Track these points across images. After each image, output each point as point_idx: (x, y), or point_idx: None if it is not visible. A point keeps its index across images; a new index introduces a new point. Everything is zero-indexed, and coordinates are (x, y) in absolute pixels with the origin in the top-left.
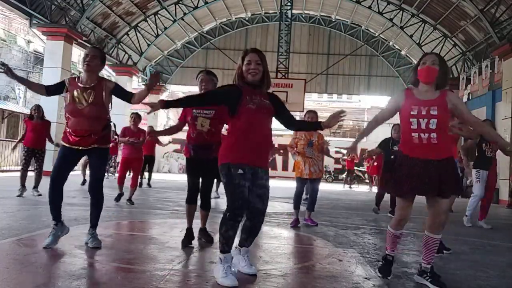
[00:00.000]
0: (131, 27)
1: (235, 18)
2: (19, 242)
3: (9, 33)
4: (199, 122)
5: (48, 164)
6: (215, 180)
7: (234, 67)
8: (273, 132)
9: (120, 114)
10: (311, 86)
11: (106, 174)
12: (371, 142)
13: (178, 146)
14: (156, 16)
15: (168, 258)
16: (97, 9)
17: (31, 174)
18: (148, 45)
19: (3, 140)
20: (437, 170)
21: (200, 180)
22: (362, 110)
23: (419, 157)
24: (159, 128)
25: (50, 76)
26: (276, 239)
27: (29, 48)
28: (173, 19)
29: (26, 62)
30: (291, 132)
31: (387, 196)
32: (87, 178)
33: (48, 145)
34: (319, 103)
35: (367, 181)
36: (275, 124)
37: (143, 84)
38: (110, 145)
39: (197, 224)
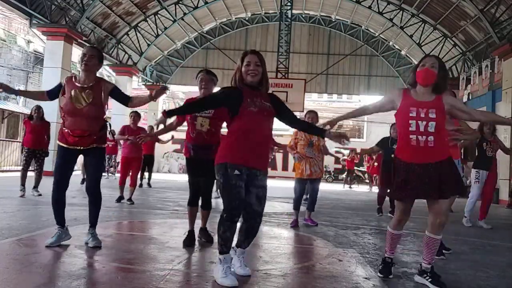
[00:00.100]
0: (131, 27)
1: (235, 18)
2: (19, 242)
3: (9, 33)
4: (199, 122)
5: (48, 164)
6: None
7: (234, 67)
8: (273, 132)
9: (120, 114)
10: (311, 86)
11: (106, 174)
12: (371, 142)
13: (178, 146)
14: (156, 16)
15: (168, 258)
16: (97, 9)
17: (30, 174)
18: (148, 45)
19: (3, 140)
20: (436, 171)
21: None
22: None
23: (416, 162)
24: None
25: (50, 76)
26: (276, 239)
27: (29, 48)
28: (173, 19)
29: (26, 62)
30: (291, 132)
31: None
32: None
33: (49, 146)
34: (319, 103)
35: (367, 181)
36: (275, 124)
37: (143, 84)
38: (110, 144)
39: (198, 225)
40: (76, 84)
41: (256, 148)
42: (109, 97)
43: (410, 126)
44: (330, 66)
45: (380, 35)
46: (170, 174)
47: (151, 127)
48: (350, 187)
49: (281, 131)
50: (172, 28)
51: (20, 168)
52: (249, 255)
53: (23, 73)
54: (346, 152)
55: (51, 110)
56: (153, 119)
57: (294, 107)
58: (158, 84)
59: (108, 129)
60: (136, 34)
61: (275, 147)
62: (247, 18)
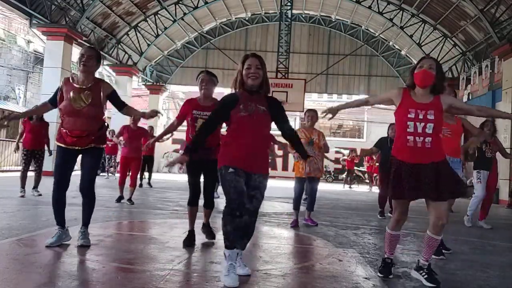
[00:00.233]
0: (131, 27)
1: (235, 18)
2: (19, 242)
3: (9, 33)
4: (199, 124)
5: (48, 165)
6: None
7: (234, 67)
8: (273, 132)
9: (120, 114)
10: (311, 86)
11: (106, 174)
12: (371, 142)
13: (178, 146)
14: (156, 16)
15: (168, 258)
16: (97, 9)
17: (30, 174)
18: (148, 45)
19: (3, 140)
20: (432, 171)
21: (202, 180)
22: (362, 110)
23: (412, 162)
24: (159, 127)
25: (50, 76)
26: (276, 239)
27: (29, 48)
28: (173, 19)
29: (26, 62)
30: None
31: None
32: None
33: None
34: (319, 103)
35: (367, 181)
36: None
37: (143, 84)
38: (110, 144)
39: (198, 225)
40: (75, 85)
41: (249, 152)
42: (107, 99)
43: (408, 127)
44: (330, 66)
45: (380, 35)
46: (170, 174)
47: (151, 127)
48: (350, 187)
49: None
50: (172, 28)
51: (20, 168)
52: (249, 255)
53: (23, 73)
54: (346, 152)
55: (52, 111)
56: (153, 119)
57: (294, 107)
58: (158, 84)
59: (108, 129)
60: (136, 34)
61: (274, 150)
62: (247, 18)
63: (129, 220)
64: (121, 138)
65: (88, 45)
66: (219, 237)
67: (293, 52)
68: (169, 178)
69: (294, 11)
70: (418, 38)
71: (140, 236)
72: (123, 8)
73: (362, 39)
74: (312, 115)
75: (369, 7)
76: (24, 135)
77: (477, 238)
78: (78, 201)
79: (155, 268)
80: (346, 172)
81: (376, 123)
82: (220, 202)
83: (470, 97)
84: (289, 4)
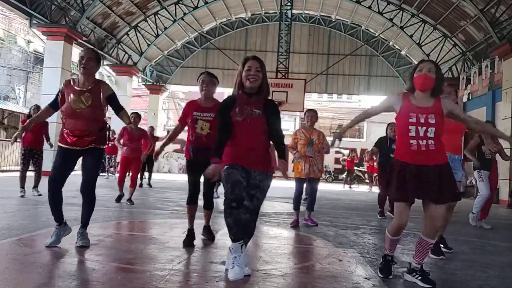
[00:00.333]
0: (131, 27)
1: (235, 18)
2: (19, 242)
3: (9, 33)
4: (199, 126)
5: (48, 164)
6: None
7: (234, 67)
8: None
9: None
10: (311, 86)
11: (106, 174)
12: (371, 142)
13: (178, 146)
14: (156, 16)
15: (168, 258)
16: (97, 9)
17: (30, 175)
18: (148, 45)
19: (3, 140)
20: (435, 173)
21: (201, 181)
22: (362, 110)
23: (416, 163)
24: (159, 127)
25: (50, 76)
26: (276, 239)
27: (29, 48)
28: (173, 19)
29: (26, 62)
30: (290, 132)
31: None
32: None
33: (46, 146)
34: (319, 103)
35: (367, 181)
36: None
37: (143, 84)
38: (110, 144)
39: (197, 225)
40: (75, 87)
41: (247, 154)
42: (107, 101)
43: (410, 131)
44: (330, 66)
45: (380, 35)
46: (170, 174)
47: (152, 127)
48: (350, 187)
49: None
50: (172, 28)
51: (19, 168)
52: (249, 255)
53: (23, 73)
54: (346, 152)
55: None
56: (153, 119)
57: (294, 107)
58: (158, 84)
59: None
60: (136, 34)
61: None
62: (247, 18)
63: (129, 220)
64: (121, 140)
65: (88, 45)
66: (219, 237)
67: (293, 52)
68: (169, 178)
69: (294, 11)
70: (418, 38)
71: (140, 236)
72: (123, 8)
73: (362, 39)
74: (312, 115)
75: (369, 7)
76: (24, 134)
77: (477, 238)
78: (78, 201)
79: (155, 268)
80: (346, 172)
81: (376, 123)
82: (220, 202)
83: (470, 97)
84: (289, 4)
